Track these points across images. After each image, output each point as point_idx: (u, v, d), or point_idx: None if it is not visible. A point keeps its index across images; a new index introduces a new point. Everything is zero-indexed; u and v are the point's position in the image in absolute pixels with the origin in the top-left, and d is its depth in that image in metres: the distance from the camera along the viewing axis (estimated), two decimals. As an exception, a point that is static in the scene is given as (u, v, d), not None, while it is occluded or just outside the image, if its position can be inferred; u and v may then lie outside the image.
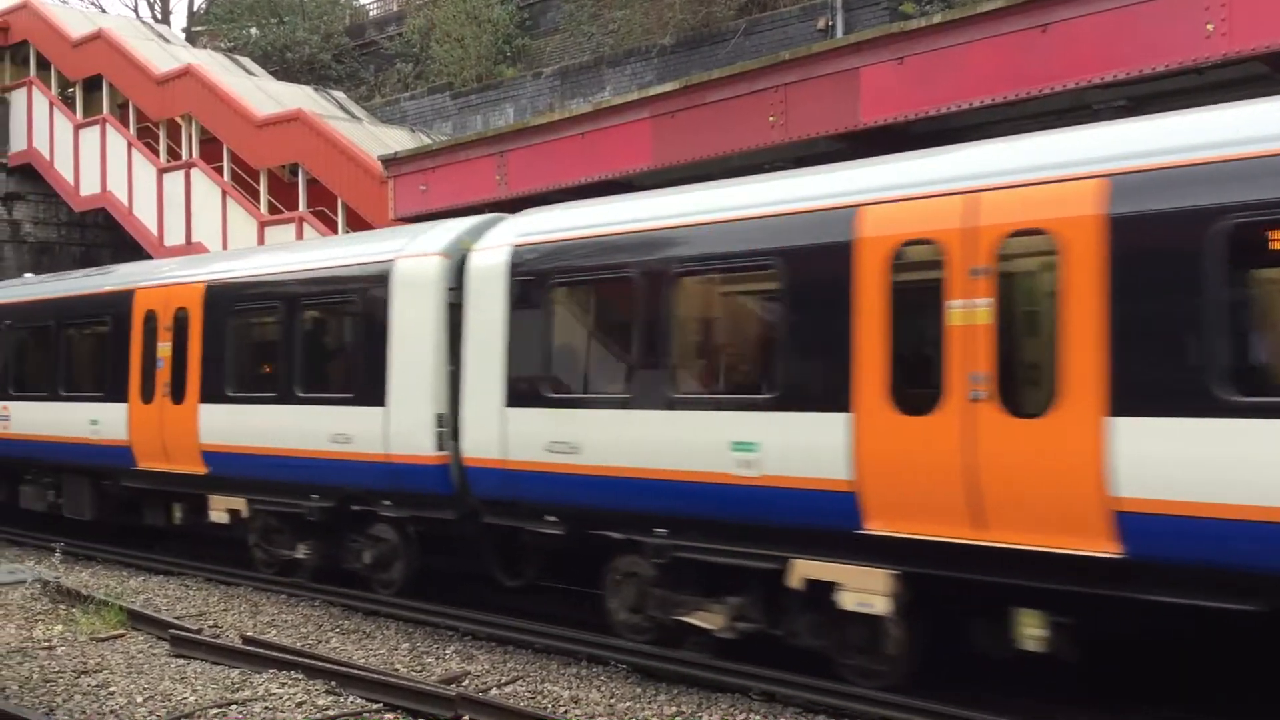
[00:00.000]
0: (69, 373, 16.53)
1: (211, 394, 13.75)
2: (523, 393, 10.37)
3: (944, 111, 11.92)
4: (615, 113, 15.39)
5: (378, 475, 11.77)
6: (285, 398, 12.84)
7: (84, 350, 16.85)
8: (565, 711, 8.60)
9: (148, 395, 14.58)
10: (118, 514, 16.03)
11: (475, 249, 11.11)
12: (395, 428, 11.53)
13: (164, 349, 14.45)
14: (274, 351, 13.39)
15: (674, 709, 8.62)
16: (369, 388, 11.81)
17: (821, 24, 17.45)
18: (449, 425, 11.11)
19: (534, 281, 10.43)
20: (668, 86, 15.07)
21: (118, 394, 15.03)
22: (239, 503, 13.55)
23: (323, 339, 13.60)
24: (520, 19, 25.81)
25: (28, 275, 21.00)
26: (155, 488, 14.89)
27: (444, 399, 11.17)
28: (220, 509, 13.78)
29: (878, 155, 9.37)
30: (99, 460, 15.47)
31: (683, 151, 14.37)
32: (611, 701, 8.83)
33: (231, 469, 13.53)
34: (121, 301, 15.31)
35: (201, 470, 13.88)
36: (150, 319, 14.73)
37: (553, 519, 10.30)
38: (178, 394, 14.15)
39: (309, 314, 13.08)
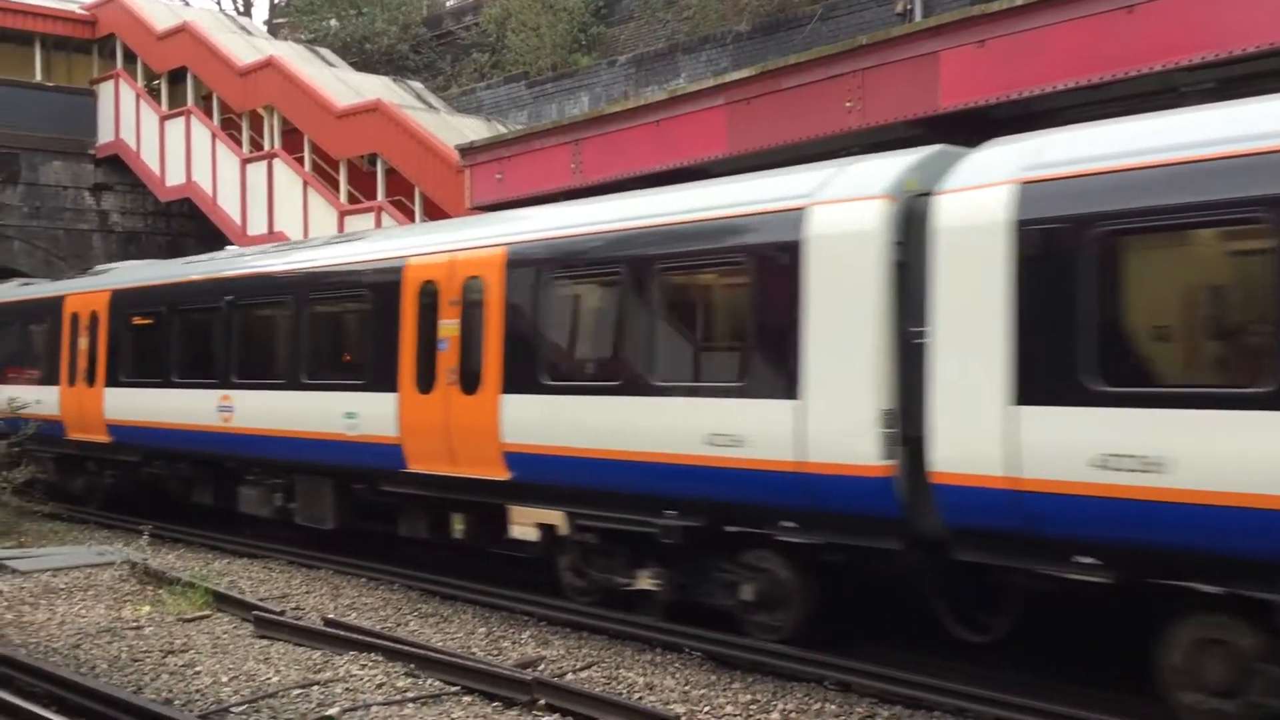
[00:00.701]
0: (314, 358, 14.16)
1: (519, 382, 11.16)
2: (1049, 385, 7.67)
3: (1026, 96, 11.71)
4: (690, 100, 15.36)
5: (780, 488, 9.15)
6: (633, 388, 10.23)
7: (336, 332, 14.61)
8: (640, 697, 8.62)
9: (425, 384, 12.13)
10: (364, 522, 14.10)
11: (943, 191, 8.40)
12: (815, 427, 8.90)
13: (448, 328, 12.01)
14: (614, 328, 10.83)
15: (748, 697, 8.61)
16: (771, 375, 9.26)
17: (900, 8, 17.22)
18: (897, 425, 8.65)
19: (1069, 233, 7.66)
20: (743, 73, 15.00)
21: (383, 383, 12.63)
22: (554, 516, 11.00)
23: (690, 311, 10.75)
24: (595, 7, 25.85)
25: (230, 248, 19.97)
26: (429, 495, 12.43)
27: (892, 391, 8.64)
28: (526, 523, 11.31)
29: (957, 140, 9.27)
30: (354, 461, 13.07)
31: (758, 138, 14.30)
32: (686, 689, 8.84)
33: (545, 474, 10.95)
34: (386, 274, 12.92)
35: (502, 475, 11.35)
36: (427, 292, 12.28)
37: (1091, 561, 7.63)
38: (469, 382, 11.67)
39: (670, 279, 10.25)
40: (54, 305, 19.16)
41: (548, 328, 11.27)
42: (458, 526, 12.31)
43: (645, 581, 10.50)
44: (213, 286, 15.87)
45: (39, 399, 19.04)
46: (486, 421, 11.44)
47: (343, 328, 14.47)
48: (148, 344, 17.03)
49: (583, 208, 11.79)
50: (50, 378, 18.92)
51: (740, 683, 8.97)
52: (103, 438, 17.74)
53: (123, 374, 17.28)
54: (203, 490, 16.27)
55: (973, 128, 10.81)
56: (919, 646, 9.38)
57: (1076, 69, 11.29)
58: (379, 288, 12.96)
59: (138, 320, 17.26)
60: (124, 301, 17.56)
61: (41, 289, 20.61)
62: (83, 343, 18.11)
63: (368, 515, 13.89)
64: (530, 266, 11.35)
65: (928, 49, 12.53)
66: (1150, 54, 10.77)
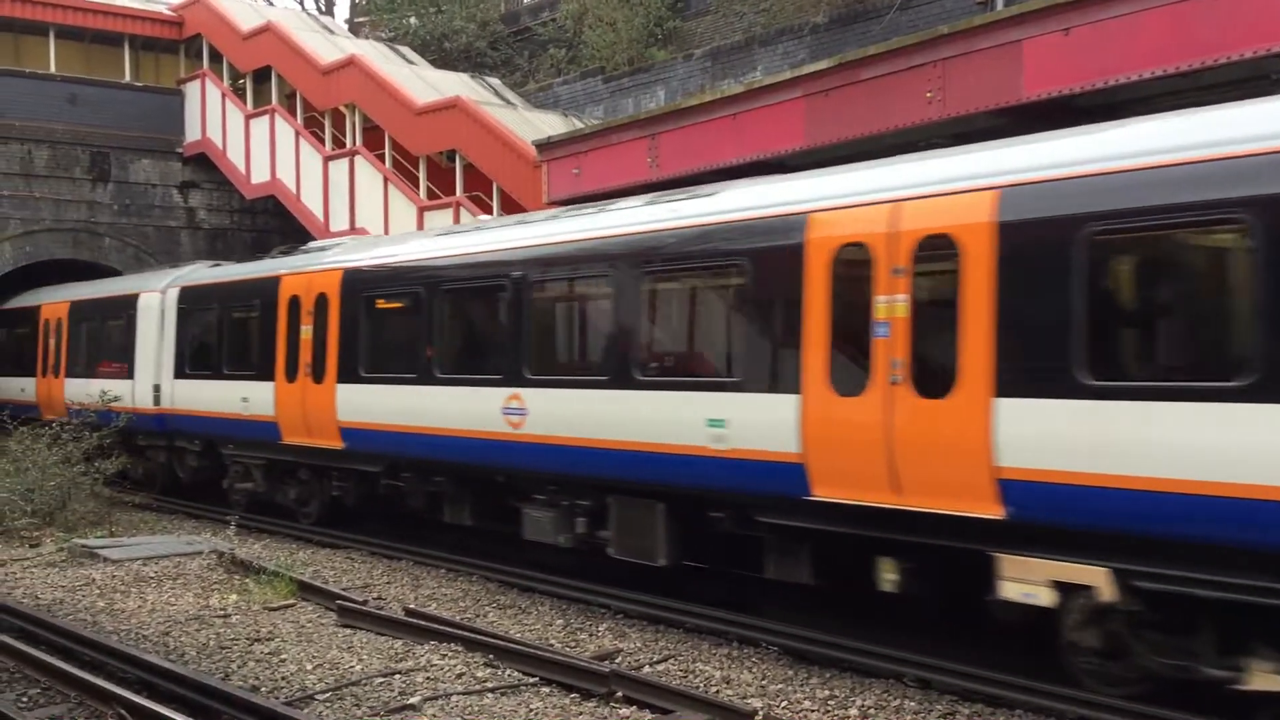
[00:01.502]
0: (653, 349, 11.19)
1: (1036, 380, 7.96)
2: None
3: (1112, 84, 11.48)
4: (767, 92, 15.28)
5: None
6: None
7: (691, 314, 11.52)
8: (717, 691, 8.63)
9: (849, 381, 9.05)
10: (698, 558, 11.55)
11: None
12: None
13: (890, 306, 8.82)
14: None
15: (826, 692, 8.57)
16: None
17: (981, -4, 16.97)
18: None
19: None
20: (821, 64, 14.89)
21: (772, 381, 9.60)
22: (1089, 574, 7.76)
23: None
24: (671, 1, 25.83)
25: (483, 217, 17.29)
26: (848, 532, 9.28)
27: None
28: (1031, 580, 8.08)
29: (1041, 130, 9.11)
30: (716, 482, 10.09)
31: (836, 131, 14.19)
32: (763, 683, 8.83)
33: (1077, 513, 7.77)
34: (775, 234, 9.68)
35: (991, 511, 8.20)
36: (849, 259, 9.13)
37: None
38: (933, 381, 8.54)
39: None
40: (265, 288, 16.59)
41: (1109, 304, 7.97)
42: (888, 575, 9.16)
43: (1267, 677, 7.11)
44: (496, 261, 12.73)
45: (246, 397, 16.62)
46: (970, 435, 8.23)
47: (702, 308, 11.32)
48: (398, 332, 14.57)
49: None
50: (262, 372, 16.33)
51: (818, 678, 8.93)
52: (332, 443, 14.91)
53: (363, 368, 14.51)
54: (459, 508, 13.64)
55: (1057, 117, 10.62)
56: (1002, 646, 9.25)
57: (1165, 56, 11.04)
58: (763, 255, 9.73)
59: (383, 304, 14.65)
60: (362, 282, 14.76)
61: (246, 269, 18.32)
62: (306, 331, 15.50)
63: (711, 549, 11.29)
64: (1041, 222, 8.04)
65: (1011, 37, 12.33)
66: (1242, 40, 10.49)
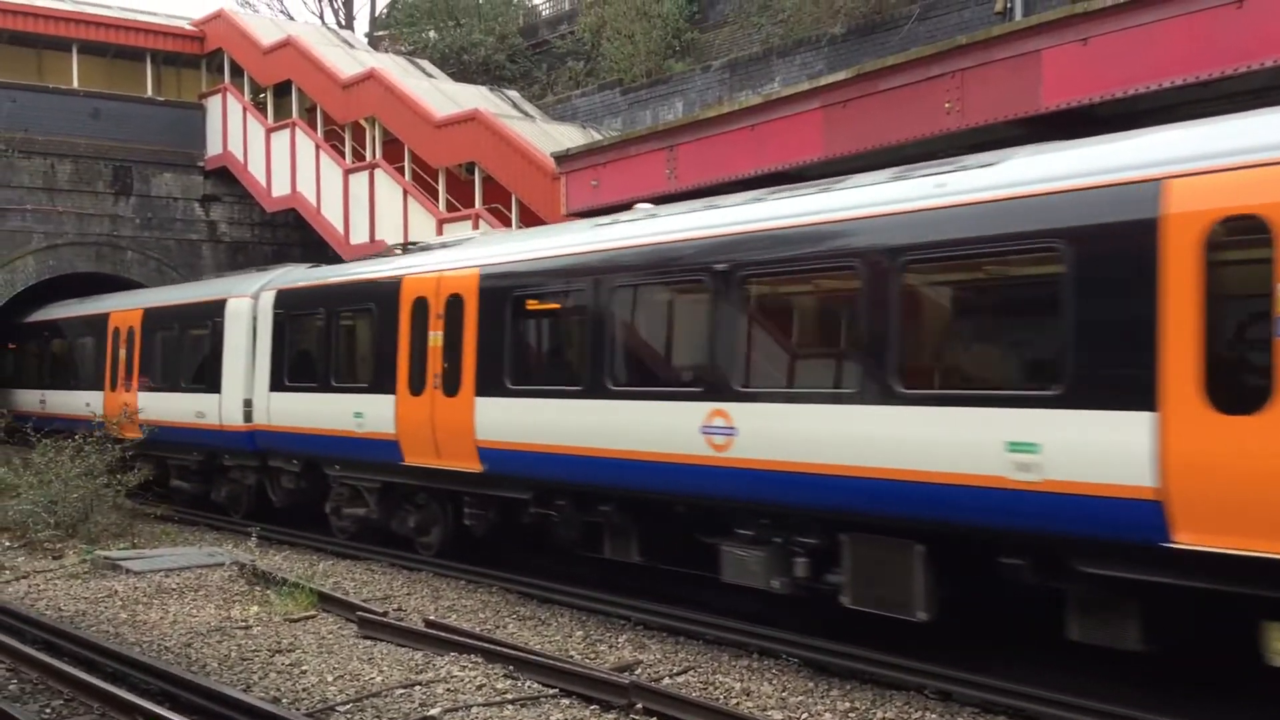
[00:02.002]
0: (927, 355, 9.41)
1: None
2: None
3: (1132, 93, 11.45)
4: (785, 103, 15.29)
5: None
6: None
7: (981, 312, 9.52)
8: (737, 703, 8.61)
9: (1236, 396, 7.14)
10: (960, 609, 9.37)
11: None
12: None
13: None
14: None
15: (847, 705, 8.54)
16: None
17: (1000, 6, 16.94)
18: None
19: None
20: (839, 75, 14.89)
21: (1116, 394, 7.67)
22: None
23: None
24: (689, 13, 25.89)
25: (641, 207, 12.96)
26: (1219, 589, 7.34)
27: None
28: None
29: (1060, 140, 9.09)
30: (1015, 519, 8.27)
31: (854, 141, 14.18)
32: (783, 695, 8.81)
33: None
34: (1110, 209, 7.85)
35: None
36: (1231, 239, 7.28)
37: None
38: None
39: None
40: (382, 290, 14.91)
41: None
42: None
43: None
44: (692, 250, 10.72)
45: (360, 412, 14.83)
46: None
47: (995, 302, 9.39)
48: (556, 338, 13.13)
49: None
50: (380, 384, 14.58)
51: (838, 690, 8.90)
52: (468, 465, 13.02)
53: (510, 380, 12.57)
54: (623, 542, 11.78)
55: (1076, 127, 10.60)
56: (1027, 656, 9.21)
57: (1185, 66, 11.00)
58: (1093, 236, 7.85)
59: (536, 305, 12.87)
60: (508, 280, 12.87)
61: (355, 269, 16.53)
62: (435, 338, 13.75)
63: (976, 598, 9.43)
64: None
65: (1029, 48, 12.32)
66: (1262, 49, 10.45)
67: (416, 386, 13.91)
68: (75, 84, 27.33)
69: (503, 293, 12.83)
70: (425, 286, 14.04)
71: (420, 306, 14.02)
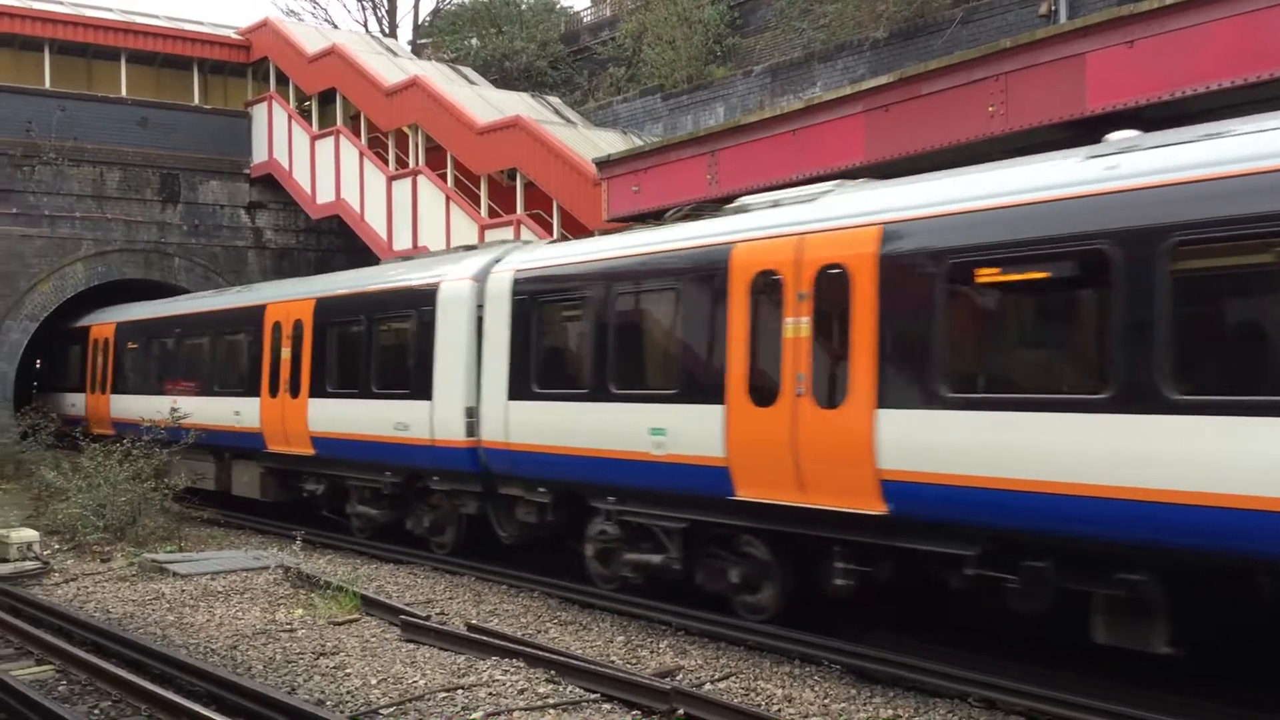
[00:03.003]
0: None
1: None
2: None
3: (1179, 96, 11.33)
4: (827, 108, 15.27)
5: None
6: None
7: None
8: (779, 709, 8.58)
9: None
10: None
11: None
12: None
13: None
14: None
15: (890, 712, 8.49)
16: None
17: (1044, 9, 16.82)
18: None
19: None
20: (881, 79, 14.85)
21: None
22: None
23: None
24: (731, 18, 25.90)
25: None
26: None
27: None
28: None
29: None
30: None
31: (897, 146, 14.14)
32: (826, 701, 8.76)
33: None
34: None
35: None
36: None
37: None
38: None
39: None
40: (696, 266, 11.18)
41: None
42: None
43: None
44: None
45: (662, 428, 11.26)
46: None
47: None
48: (1049, 325, 9.14)
49: None
50: (695, 391, 11.07)
51: (881, 697, 8.85)
52: (862, 504, 9.36)
53: (945, 383, 8.92)
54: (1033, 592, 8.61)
55: (1122, 129, 10.49)
56: (1068, 664, 9.11)
57: (1232, 67, 10.88)
58: None
59: (998, 275, 8.80)
60: (947, 240, 9.00)
61: (634, 241, 12.45)
62: (796, 327, 10.09)
63: None
64: None
65: (1074, 50, 12.24)
66: (1313, 49, 10.31)
67: (764, 394, 10.30)
68: (124, 93, 27.73)
69: (936, 265, 9.01)
70: (775, 256, 10.34)
71: (767, 287, 10.38)
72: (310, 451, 17.00)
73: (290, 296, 18.44)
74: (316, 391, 16.97)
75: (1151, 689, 8.41)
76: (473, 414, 13.91)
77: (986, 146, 13.02)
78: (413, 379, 14.96)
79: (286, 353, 17.79)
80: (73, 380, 26.53)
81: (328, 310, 17.14)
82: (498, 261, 14.15)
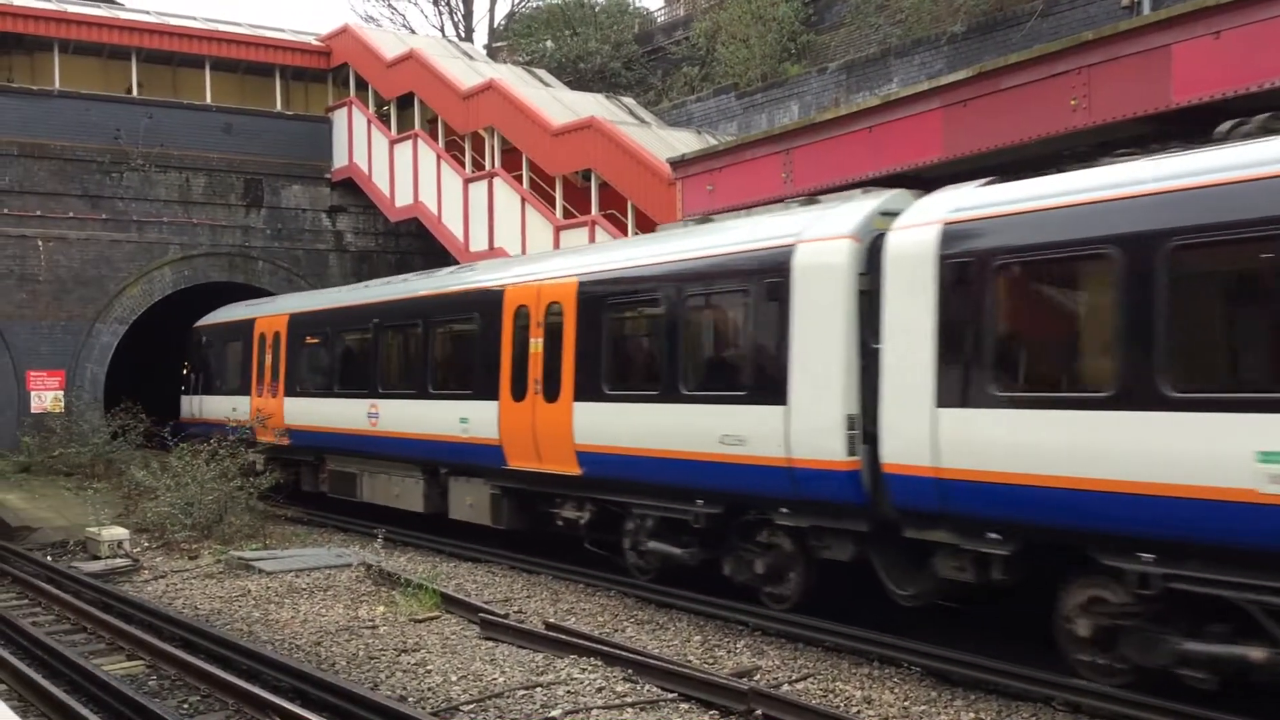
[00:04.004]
0: None
1: None
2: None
3: (1267, 88, 11.04)
4: (904, 104, 15.11)
5: None
6: None
7: None
8: (858, 711, 8.53)
9: None
10: None
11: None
12: None
13: None
14: None
15: (971, 715, 8.39)
16: None
17: (1126, 1, 16.50)
18: None
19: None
20: (960, 74, 14.66)
21: None
22: None
23: None
24: (805, 15, 25.77)
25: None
26: None
27: None
28: None
29: (1189, 137, 8.82)
30: None
31: (976, 141, 13.95)
32: (906, 704, 8.69)
33: None
34: None
35: None
36: None
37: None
38: None
39: None
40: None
41: None
42: None
43: None
44: None
45: None
46: None
47: None
48: None
49: None
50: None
51: (962, 700, 8.75)
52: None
53: None
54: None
55: (1207, 122, 10.26)
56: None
57: (1324, 57, 10.58)
58: None
59: None
60: None
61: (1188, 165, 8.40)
62: None
63: None
64: None
65: (1158, 43, 11.98)
66: None
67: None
68: (208, 99, 28.33)
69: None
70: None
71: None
72: (574, 470, 13.33)
73: (539, 276, 14.62)
74: (586, 394, 13.25)
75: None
76: (855, 424, 10.31)
77: (1068, 141, 12.81)
78: (750, 376, 11.38)
79: (537, 345, 14.16)
80: (231, 382, 23.20)
81: (601, 291, 13.37)
82: (889, 215, 10.47)
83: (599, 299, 13.37)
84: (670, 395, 12.16)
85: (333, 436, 18.63)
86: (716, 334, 12.57)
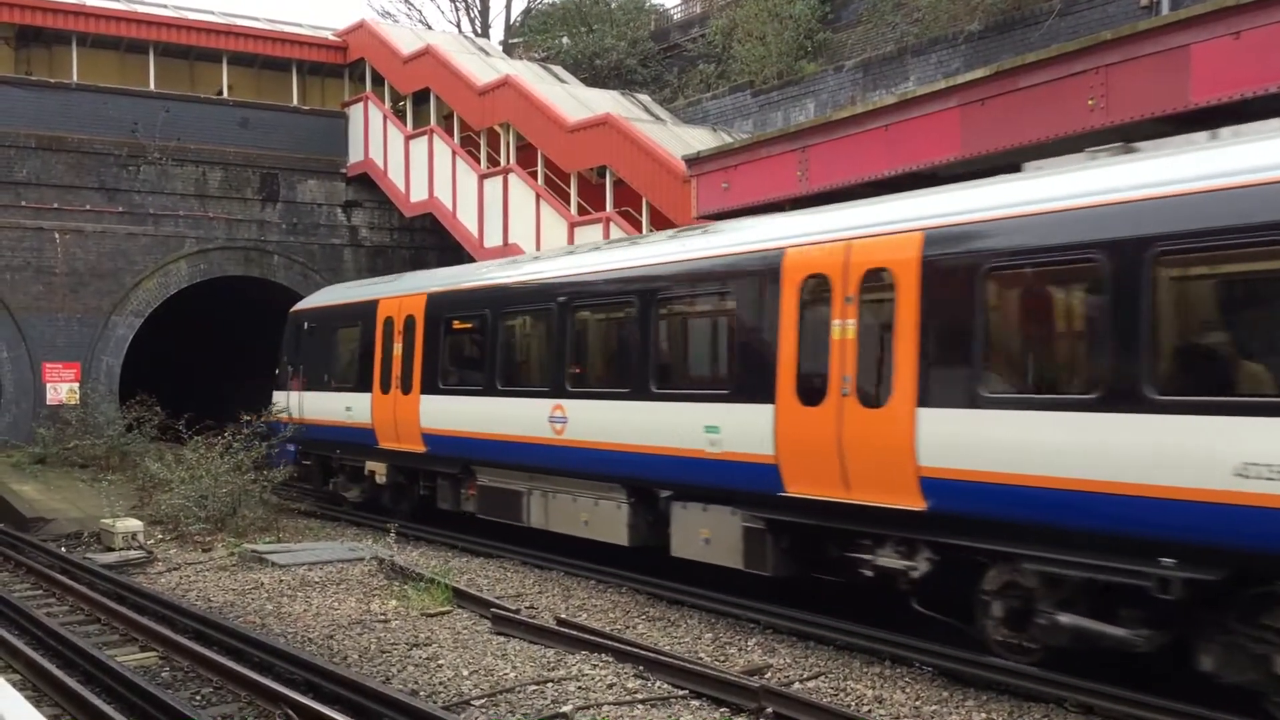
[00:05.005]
0: None
1: None
2: None
3: (1287, 88, 10.99)
4: (921, 103, 15.07)
5: None
6: None
7: None
8: (869, 710, 8.52)
9: None
10: None
11: None
12: None
13: None
14: None
15: (983, 715, 8.37)
16: None
17: (1146, 1, 16.43)
18: None
19: None
20: (977, 73, 14.62)
21: None
22: None
23: None
24: (821, 13, 25.73)
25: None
26: None
27: None
28: None
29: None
30: None
31: (993, 140, 13.91)
32: (917, 704, 8.67)
33: None
34: None
35: None
36: None
37: None
38: None
39: None
40: None
41: None
42: None
43: None
44: None
45: None
46: None
47: None
48: None
49: None
50: None
51: (974, 700, 8.73)
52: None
53: None
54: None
55: (1226, 123, 10.20)
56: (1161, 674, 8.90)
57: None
58: None
59: None
60: None
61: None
62: None
63: None
64: None
65: (1177, 42, 11.93)
66: None
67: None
68: (225, 94, 28.41)
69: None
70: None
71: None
72: (912, 504, 9.57)
73: (847, 230, 10.54)
74: (943, 397, 9.37)
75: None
76: None
77: (1086, 140, 12.75)
78: None
79: (846, 329, 10.29)
80: (345, 376, 19.49)
81: (964, 251, 9.35)
82: None
83: (971, 265, 9.21)
84: (1118, 401, 8.17)
85: (490, 445, 15.11)
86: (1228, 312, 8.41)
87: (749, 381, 11.22)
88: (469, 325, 16.46)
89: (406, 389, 17.18)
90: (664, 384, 12.51)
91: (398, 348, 17.61)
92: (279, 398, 21.39)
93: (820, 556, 10.99)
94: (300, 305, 22.24)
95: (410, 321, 17.38)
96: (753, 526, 11.22)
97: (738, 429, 11.25)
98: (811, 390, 10.53)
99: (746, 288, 11.45)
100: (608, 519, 13.25)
